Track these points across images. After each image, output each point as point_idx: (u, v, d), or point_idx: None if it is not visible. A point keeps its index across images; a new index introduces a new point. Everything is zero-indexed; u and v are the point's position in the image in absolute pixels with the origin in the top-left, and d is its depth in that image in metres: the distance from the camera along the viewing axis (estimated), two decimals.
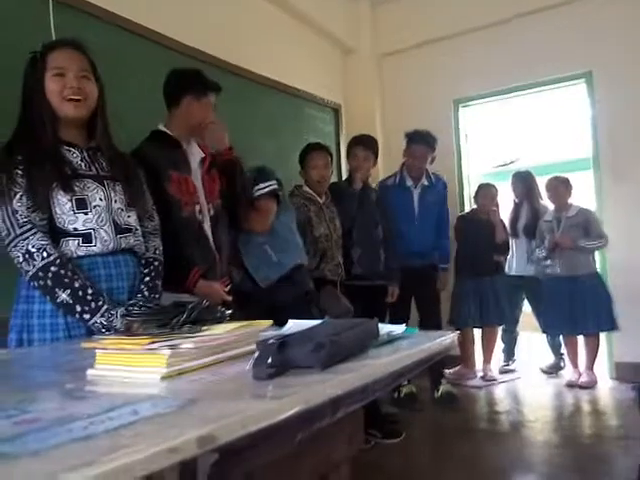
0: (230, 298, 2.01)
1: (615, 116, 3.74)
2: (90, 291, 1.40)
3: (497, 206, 4.04)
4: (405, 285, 3.31)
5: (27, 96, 1.47)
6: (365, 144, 3.22)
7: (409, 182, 3.54)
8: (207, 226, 2.01)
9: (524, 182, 4.16)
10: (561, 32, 3.85)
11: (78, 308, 1.38)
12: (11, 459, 0.49)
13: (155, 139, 2.00)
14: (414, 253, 3.42)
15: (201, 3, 2.91)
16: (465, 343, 3.91)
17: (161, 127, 2.03)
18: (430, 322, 3.39)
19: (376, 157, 3.29)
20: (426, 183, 3.57)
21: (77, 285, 1.38)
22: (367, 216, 3.15)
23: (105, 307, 1.40)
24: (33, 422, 0.60)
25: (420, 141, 3.48)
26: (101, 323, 1.39)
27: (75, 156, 1.50)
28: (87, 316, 1.39)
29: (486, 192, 3.99)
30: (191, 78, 2.06)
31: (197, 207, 1.97)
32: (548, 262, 3.82)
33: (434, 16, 4.29)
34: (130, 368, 0.83)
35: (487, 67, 4.14)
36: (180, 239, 1.88)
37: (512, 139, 6.19)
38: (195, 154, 2.07)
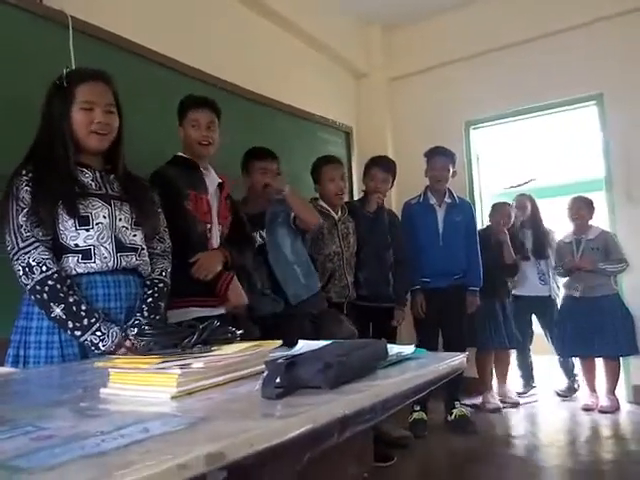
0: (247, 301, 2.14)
1: (627, 137, 3.74)
2: (84, 307, 1.41)
3: (512, 225, 3.97)
4: (431, 307, 3.31)
5: (48, 121, 1.52)
6: (384, 166, 3.24)
7: (432, 200, 3.52)
8: (215, 244, 2.09)
9: (531, 203, 4.16)
10: (571, 55, 3.88)
11: (70, 324, 1.40)
12: (26, 474, 0.50)
13: (175, 162, 2.13)
14: (439, 273, 3.37)
15: (214, 29, 2.99)
16: (485, 365, 3.84)
17: (180, 153, 2.16)
18: (452, 346, 3.25)
19: (394, 180, 3.31)
20: (449, 201, 3.53)
21: (71, 300, 1.40)
22: (378, 238, 3.15)
23: (97, 325, 1.41)
24: (48, 439, 0.62)
25: (439, 154, 3.49)
26: (91, 341, 1.40)
27: (87, 176, 1.54)
28: (78, 333, 1.40)
29: (501, 210, 3.94)
30: (182, 104, 2.17)
31: (208, 226, 2.05)
32: (565, 282, 3.80)
33: (444, 40, 4.35)
34: (142, 387, 0.85)
35: (498, 90, 4.17)
36: (194, 252, 1.96)
37: (524, 160, 6.19)
38: (213, 178, 2.17)
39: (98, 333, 1.40)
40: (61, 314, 1.39)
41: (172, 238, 1.78)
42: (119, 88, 1.61)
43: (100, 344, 1.40)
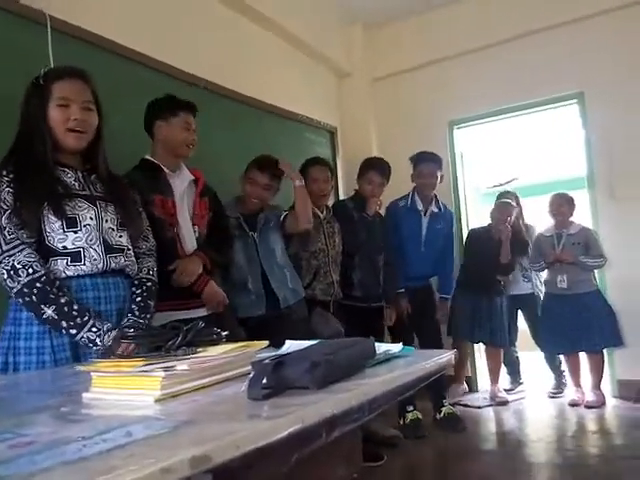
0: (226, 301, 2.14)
1: (608, 135, 3.78)
2: (75, 307, 1.40)
3: (513, 224, 3.95)
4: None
5: (27, 120, 1.49)
6: (381, 170, 3.23)
7: (420, 206, 3.55)
8: (192, 246, 2.07)
9: (515, 201, 4.19)
10: (552, 54, 3.92)
11: (64, 324, 1.38)
12: None
13: (141, 167, 2.09)
14: (414, 277, 3.46)
15: (196, 29, 2.97)
16: (460, 359, 3.88)
17: (147, 156, 2.12)
18: (429, 343, 3.32)
19: (387, 182, 3.31)
20: (435, 210, 3.59)
21: (63, 301, 1.38)
22: (373, 242, 3.18)
23: (91, 322, 1.40)
24: (28, 445, 0.61)
25: (426, 160, 3.51)
26: (87, 338, 1.39)
27: (69, 176, 1.52)
28: (74, 331, 1.38)
29: (504, 210, 3.94)
30: (160, 103, 2.14)
31: (175, 229, 2.02)
32: (547, 278, 3.84)
33: (427, 39, 4.37)
34: (125, 391, 0.83)
35: (481, 89, 4.20)
36: (166, 258, 1.92)
37: (507, 159, 6.25)
38: (184, 177, 2.14)
39: (94, 329, 1.39)
40: (53, 315, 1.37)
41: None
42: (100, 88, 1.59)
43: (97, 340, 1.39)
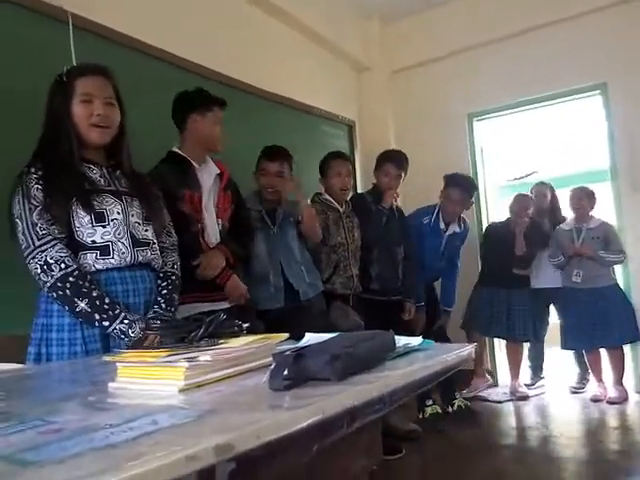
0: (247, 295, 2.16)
1: (631, 127, 3.71)
2: (107, 300, 1.43)
3: (532, 218, 3.92)
4: None
5: (52, 117, 1.52)
6: (398, 162, 3.21)
7: (442, 225, 3.54)
8: (214, 240, 2.09)
9: (551, 192, 4.13)
10: (574, 44, 3.85)
11: (97, 316, 1.41)
12: (35, 467, 0.50)
13: (169, 160, 2.11)
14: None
15: (213, 23, 2.98)
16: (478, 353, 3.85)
17: (175, 149, 2.14)
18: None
19: (405, 175, 3.29)
20: (457, 230, 3.59)
21: (95, 294, 1.41)
22: (391, 235, 3.16)
23: (123, 314, 1.43)
24: (57, 432, 0.62)
25: (458, 185, 3.48)
26: (120, 329, 1.42)
27: (95, 172, 1.55)
28: (106, 323, 1.42)
29: (521, 202, 3.91)
30: (193, 97, 2.15)
31: (199, 225, 2.05)
32: (565, 271, 3.79)
33: (445, 31, 4.32)
34: (150, 381, 0.85)
35: (501, 81, 4.14)
36: (190, 251, 1.95)
37: (528, 152, 6.16)
38: (211, 171, 2.16)
39: (126, 321, 1.43)
40: (86, 308, 1.40)
41: None
42: (120, 84, 1.61)
43: (129, 331, 1.42)
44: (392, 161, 3.21)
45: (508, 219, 3.99)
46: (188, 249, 1.89)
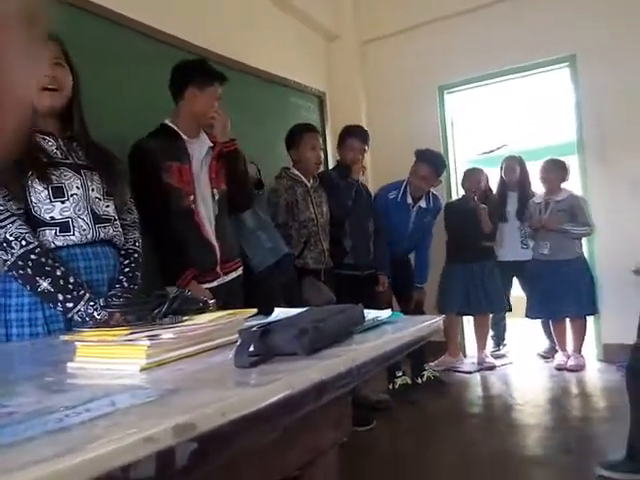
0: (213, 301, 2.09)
1: (599, 100, 3.75)
2: (72, 280, 1.38)
3: (485, 190, 3.99)
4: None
5: None
6: (361, 136, 3.22)
7: (409, 200, 3.52)
8: (208, 213, 2.08)
9: (520, 166, 4.17)
10: (544, 16, 3.85)
11: (60, 297, 1.36)
12: None
13: (158, 133, 2.05)
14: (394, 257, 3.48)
15: None
16: (449, 329, 3.91)
17: (167, 121, 2.08)
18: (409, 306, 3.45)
19: (368, 148, 3.31)
20: (424, 206, 3.57)
21: (59, 273, 1.36)
22: (361, 208, 3.17)
23: (87, 296, 1.38)
24: (8, 415, 0.59)
25: (427, 162, 3.46)
26: (85, 311, 1.37)
27: (51, 144, 1.48)
28: (70, 304, 1.37)
29: (471, 177, 3.96)
30: (193, 69, 2.10)
31: (191, 197, 2.01)
32: (533, 244, 3.87)
33: (417, 2, 4.27)
34: (110, 360, 0.82)
35: (471, 53, 4.12)
36: (178, 230, 1.93)
37: (498, 125, 6.20)
38: (203, 144, 2.12)
39: (91, 303, 1.38)
40: (49, 287, 1.35)
41: (154, 214, 1.82)
42: (86, 52, 1.54)
43: (95, 313, 1.37)
44: (356, 136, 3.22)
45: (463, 196, 4.03)
46: (180, 224, 1.89)
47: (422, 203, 3.56)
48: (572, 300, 3.65)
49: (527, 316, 3.97)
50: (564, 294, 3.65)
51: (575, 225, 3.68)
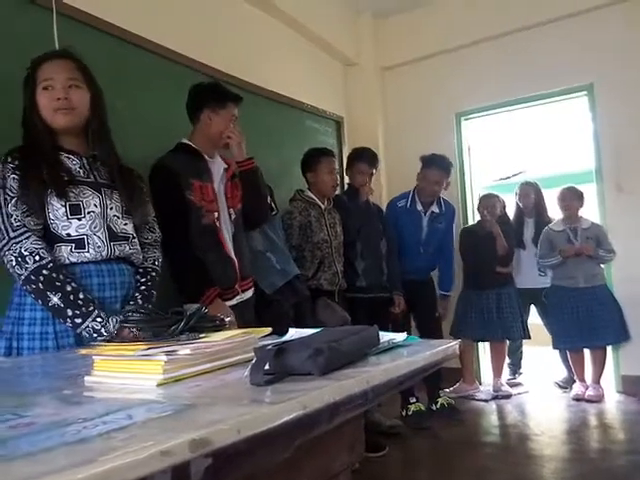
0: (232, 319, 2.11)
1: (617, 128, 3.74)
2: (81, 296, 1.39)
3: (501, 216, 3.96)
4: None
5: (24, 110, 1.50)
6: (370, 160, 3.26)
7: (419, 207, 3.53)
8: (227, 231, 2.11)
9: (536, 193, 4.15)
10: (562, 45, 3.87)
11: (69, 312, 1.37)
12: (4, 461, 0.48)
13: (178, 151, 2.10)
14: (413, 271, 3.45)
15: (203, 17, 2.94)
16: (464, 356, 3.85)
17: (185, 140, 2.12)
18: (428, 331, 3.37)
19: (376, 171, 3.35)
20: (436, 210, 3.57)
21: (69, 289, 1.38)
22: (372, 229, 3.19)
23: (96, 312, 1.39)
24: (27, 426, 0.60)
25: (435, 165, 3.48)
26: (92, 327, 1.38)
27: (74, 163, 1.51)
28: (78, 320, 1.38)
29: (486, 201, 3.94)
30: (207, 92, 2.14)
31: (216, 214, 2.05)
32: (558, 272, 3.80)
33: (436, 29, 4.32)
34: (127, 375, 0.83)
35: (489, 80, 4.16)
36: (201, 247, 1.96)
37: (515, 152, 6.20)
38: (219, 165, 2.16)
39: (99, 319, 1.38)
40: (59, 302, 1.36)
41: (177, 231, 1.85)
42: (106, 74, 1.57)
43: (102, 330, 1.38)
44: (363, 159, 3.26)
45: (479, 221, 4.01)
46: (204, 242, 1.92)
47: (434, 208, 3.56)
48: (606, 327, 3.59)
49: (555, 347, 3.86)
50: (596, 322, 3.59)
51: (603, 252, 3.67)
